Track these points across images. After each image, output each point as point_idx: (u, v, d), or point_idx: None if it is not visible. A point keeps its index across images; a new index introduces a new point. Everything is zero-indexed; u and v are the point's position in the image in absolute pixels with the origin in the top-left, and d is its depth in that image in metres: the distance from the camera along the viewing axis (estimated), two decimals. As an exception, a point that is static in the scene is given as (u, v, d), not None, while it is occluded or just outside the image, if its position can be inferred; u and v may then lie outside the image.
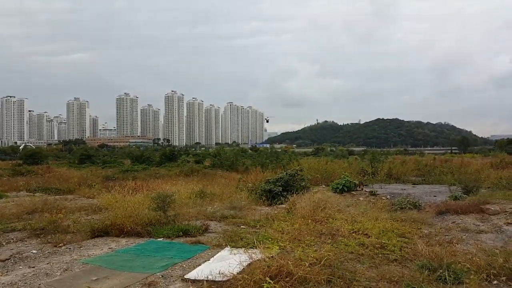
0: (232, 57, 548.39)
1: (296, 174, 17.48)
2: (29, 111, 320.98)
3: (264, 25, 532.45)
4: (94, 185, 21.43)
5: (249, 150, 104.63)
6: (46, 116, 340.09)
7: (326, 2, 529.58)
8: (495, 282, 5.80)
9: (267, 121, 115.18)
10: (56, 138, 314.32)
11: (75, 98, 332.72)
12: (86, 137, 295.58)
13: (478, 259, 6.49)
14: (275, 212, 12.34)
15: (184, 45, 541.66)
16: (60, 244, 8.78)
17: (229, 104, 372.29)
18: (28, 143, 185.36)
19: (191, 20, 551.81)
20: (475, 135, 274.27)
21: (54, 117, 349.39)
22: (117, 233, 9.50)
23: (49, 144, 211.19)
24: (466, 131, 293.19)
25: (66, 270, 6.83)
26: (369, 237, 8.51)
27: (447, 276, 5.72)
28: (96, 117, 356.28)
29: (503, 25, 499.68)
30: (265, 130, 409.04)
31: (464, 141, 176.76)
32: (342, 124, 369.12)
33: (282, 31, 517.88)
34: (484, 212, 11.24)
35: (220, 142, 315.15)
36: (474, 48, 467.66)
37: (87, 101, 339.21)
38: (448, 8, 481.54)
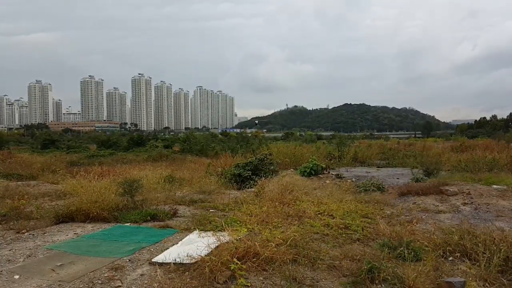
0: (201, 40, 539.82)
1: (265, 159, 17.66)
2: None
3: (234, 7, 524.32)
4: (58, 170, 20.72)
5: (219, 135, 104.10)
6: (7, 100, 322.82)
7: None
8: (450, 258, 6.17)
9: (256, 124, 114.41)
10: (17, 122, 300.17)
11: (36, 80, 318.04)
12: (49, 121, 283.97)
13: (435, 237, 6.86)
14: (244, 195, 12.45)
15: (152, 26, 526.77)
16: (23, 231, 8.50)
17: (198, 88, 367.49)
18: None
19: (158, 1, 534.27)
20: (438, 120, 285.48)
21: (15, 100, 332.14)
22: (82, 219, 9.30)
23: (10, 129, 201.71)
24: (430, 116, 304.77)
25: (29, 256, 6.66)
26: (334, 218, 8.79)
27: (406, 254, 6.04)
28: (59, 100, 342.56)
29: (467, 14, 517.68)
30: (236, 115, 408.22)
31: (427, 126, 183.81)
32: (311, 109, 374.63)
33: (253, 14, 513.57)
34: (443, 193, 11.84)
35: (189, 127, 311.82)
36: (439, 35, 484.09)
37: (49, 84, 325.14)
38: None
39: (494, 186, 12.40)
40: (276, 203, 9.98)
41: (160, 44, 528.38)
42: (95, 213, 9.32)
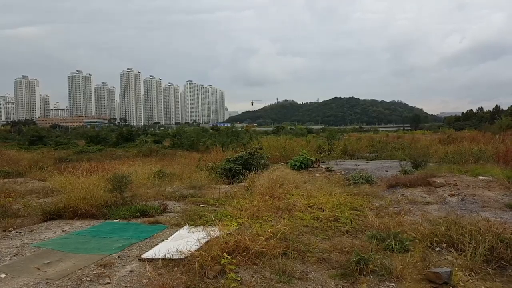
0: (191, 33, 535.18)
1: (255, 153, 17.65)
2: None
3: (225, 0, 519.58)
4: (46, 167, 20.47)
5: (210, 130, 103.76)
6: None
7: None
8: (437, 248, 6.26)
9: (252, 104, 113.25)
10: (3, 118, 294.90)
11: (23, 76, 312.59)
12: (37, 117, 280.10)
13: (423, 228, 6.96)
14: (235, 190, 12.46)
15: (141, 19, 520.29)
16: (10, 229, 8.39)
17: (188, 83, 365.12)
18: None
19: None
20: (426, 112, 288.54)
21: (1, 96, 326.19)
22: (71, 216, 9.20)
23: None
24: (418, 108, 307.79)
25: (16, 254, 6.58)
26: (323, 211, 8.85)
27: (394, 245, 6.12)
28: (46, 96, 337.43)
29: (456, 6, 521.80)
30: (226, 109, 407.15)
31: (415, 119, 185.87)
32: (301, 103, 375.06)
33: (243, 7, 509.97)
34: (430, 185, 12.01)
35: (180, 121, 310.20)
36: (428, 28, 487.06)
37: (36, 79, 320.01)
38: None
39: (480, 177, 12.60)
40: (267, 197, 10.02)
41: (149, 38, 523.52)
42: (83, 210, 9.23)
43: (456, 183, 11.81)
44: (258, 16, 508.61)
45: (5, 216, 9.27)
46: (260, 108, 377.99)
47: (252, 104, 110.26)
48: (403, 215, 8.49)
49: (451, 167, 14.73)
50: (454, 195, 10.78)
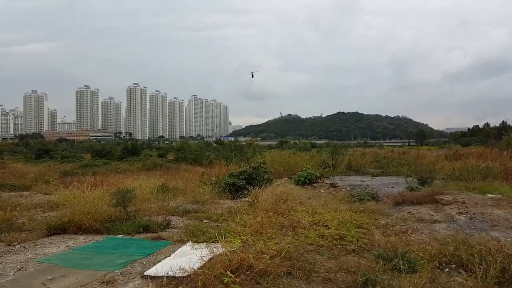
0: (196, 49, 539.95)
1: (259, 167, 17.57)
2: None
3: (229, 17, 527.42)
4: (52, 181, 20.53)
5: (214, 144, 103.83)
6: (2, 109, 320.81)
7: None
8: (446, 269, 6.09)
9: (252, 76, 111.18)
10: (12, 132, 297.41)
11: (32, 90, 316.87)
12: (44, 131, 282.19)
13: (431, 247, 6.79)
14: (238, 205, 12.36)
15: (147, 36, 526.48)
16: (14, 243, 8.39)
17: (193, 97, 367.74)
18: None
19: (155, 10, 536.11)
20: (431, 128, 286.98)
21: (10, 110, 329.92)
22: (74, 230, 9.18)
23: (4, 139, 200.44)
24: (423, 124, 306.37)
25: (20, 269, 6.54)
26: (328, 228, 8.71)
27: (401, 265, 5.97)
28: (54, 110, 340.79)
29: (458, 23, 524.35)
30: (230, 123, 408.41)
31: (420, 134, 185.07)
32: (305, 117, 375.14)
33: (247, 25, 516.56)
34: (438, 202, 11.80)
35: (184, 135, 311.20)
36: (430, 44, 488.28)
37: (45, 94, 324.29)
38: (407, 4, 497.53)
39: (489, 195, 12.41)
40: (270, 213, 9.90)
41: (156, 53, 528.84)
42: (87, 225, 9.21)
43: (464, 201, 11.61)
44: (262, 33, 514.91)
45: (10, 230, 9.29)
46: (264, 122, 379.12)
47: (252, 76, 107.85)
48: (410, 234, 8.34)
49: (458, 184, 14.54)
50: (462, 213, 10.58)
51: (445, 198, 11.92)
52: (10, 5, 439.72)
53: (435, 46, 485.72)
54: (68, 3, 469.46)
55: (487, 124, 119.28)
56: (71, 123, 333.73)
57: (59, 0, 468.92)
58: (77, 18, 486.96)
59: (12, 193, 16.76)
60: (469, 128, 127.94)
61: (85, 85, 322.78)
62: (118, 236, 8.85)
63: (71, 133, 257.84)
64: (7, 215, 10.09)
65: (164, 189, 15.64)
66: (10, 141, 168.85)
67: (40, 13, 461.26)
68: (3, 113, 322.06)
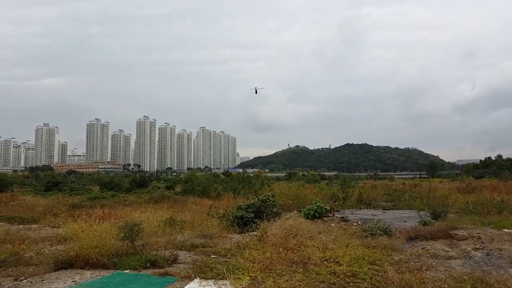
0: (205, 83, 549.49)
1: (268, 200, 17.38)
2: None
3: (237, 52, 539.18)
4: (60, 213, 20.51)
5: (222, 175, 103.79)
6: (14, 142, 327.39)
7: (297, 31, 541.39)
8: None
9: (256, 92, 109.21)
10: (22, 164, 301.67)
11: (44, 124, 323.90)
12: (54, 163, 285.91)
13: (447, 286, 6.56)
14: (247, 240, 12.15)
15: (158, 70, 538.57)
16: (22, 278, 8.32)
17: (201, 129, 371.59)
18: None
19: (165, 46, 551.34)
20: (442, 159, 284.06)
21: (22, 143, 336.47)
22: (82, 265, 9.06)
23: (15, 171, 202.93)
24: (434, 156, 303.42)
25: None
26: (340, 265, 8.47)
27: (417, 305, 5.73)
28: (65, 142, 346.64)
29: (465, 55, 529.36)
30: (238, 155, 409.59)
31: (432, 166, 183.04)
32: (313, 148, 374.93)
33: (255, 59, 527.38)
34: (452, 238, 11.48)
35: (192, 167, 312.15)
36: (438, 75, 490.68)
37: (56, 127, 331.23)
38: (413, 37, 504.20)
39: (506, 230, 12.04)
40: (280, 249, 9.70)
41: (165, 86, 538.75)
42: (94, 259, 9.11)
43: (479, 236, 11.26)
44: (269, 66, 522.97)
45: (18, 264, 9.24)
46: (272, 153, 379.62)
47: (256, 92, 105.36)
48: (425, 271, 8.06)
49: (473, 218, 14.19)
50: (478, 249, 10.24)
51: (460, 233, 11.59)
52: (26, 40, 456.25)
53: (443, 77, 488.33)
54: (82, 39, 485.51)
55: (499, 156, 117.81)
56: (81, 155, 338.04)
57: (73, 36, 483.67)
58: (90, 53, 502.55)
59: (20, 226, 16.80)
60: (481, 160, 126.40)
61: (96, 118, 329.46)
62: (125, 271, 8.70)
63: (80, 165, 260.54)
64: (15, 249, 10.05)
65: (172, 222, 15.51)
66: (20, 173, 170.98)
67: (54, 48, 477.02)
68: (15, 146, 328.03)
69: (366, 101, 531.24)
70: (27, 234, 13.80)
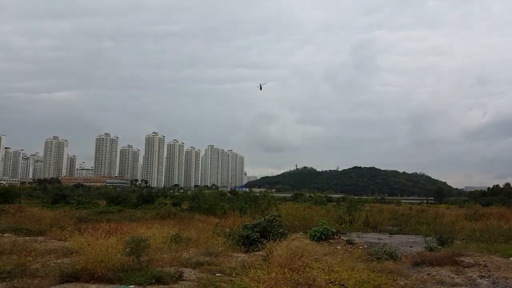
0: (215, 101, 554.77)
1: (274, 220, 17.38)
2: (6, 148, 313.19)
3: (249, 71, 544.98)
4: (67, 226, 20.68)
5: (228, 194, 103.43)
6: (23, 154, 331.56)
7: (309, 53, 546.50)
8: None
9: (261, 88, 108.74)
10: (31, 176, 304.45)
11: (54, 136, 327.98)
12: (62, 176, 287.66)
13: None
14: (252, 259, 12.15)
15: (169, 87, 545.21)
16: (27, 289, 8.38)
17: (210, 147, 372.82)
18: (1, 180, 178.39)
19: (178, 64, 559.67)
20: (449, 186, 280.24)
21: (31, 155, 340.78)
22: (87, 279, 9.15)
23: (23, 183, 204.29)
24: (441, 181, 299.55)
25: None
26: (345, 287, 8.45)
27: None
28: (74, 156, 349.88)
29: (476, 81, 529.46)
30: (245, 174, 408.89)
31: (439, 192, 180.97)
32: (320, 170, 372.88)
33: (266, 78, 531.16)
34: (458, 264, 11.40)
35: (199, 184, 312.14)
36: (448, 101, 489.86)
37: (66, 140, 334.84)
38: (425, 63, 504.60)
39: (512, 258, 11.91)
40: (285, 269, 9.70)
41: (176, 104, 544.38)
42: (100, 273, 9.19)
43: (486, 264, 11.16)
44: (279, 87, 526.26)
45: (24, 275, 9.32)
46: (279, 173, 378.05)
47: (260, 88, 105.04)
48: (430, 297, 8.01)
49: (479, 245, 14.06)
50: (484, 277, 10.15)
51: (466, 260, 11.50)
52: (39, 53, 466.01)
53: (453, 103, 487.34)
54: (95, 54, 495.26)
55: (507, 184, 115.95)
56: (89, 169, 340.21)
57: (87, 50, 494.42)
58: (103, 67, 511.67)
59: (27, 237, 16.91)
60: (489, 187, 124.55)
61: (105, 133, 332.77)
62: (130, 286, 8.76)
63: (88, 179, 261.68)
64: (22, 260, 10.16)
65: (178, 239, 15.56)
66: (28, 185, 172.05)
67: (67, 62, 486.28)
68: (24, 157, 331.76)
69: (376, 125, 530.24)
70: (33, 246, 13.91)
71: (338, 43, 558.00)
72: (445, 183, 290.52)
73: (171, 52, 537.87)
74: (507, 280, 9.75)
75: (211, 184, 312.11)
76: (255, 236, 15.93)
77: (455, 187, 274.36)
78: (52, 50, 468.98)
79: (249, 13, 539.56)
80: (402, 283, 9.56)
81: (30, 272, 9.65)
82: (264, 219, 17.48)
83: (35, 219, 25.31)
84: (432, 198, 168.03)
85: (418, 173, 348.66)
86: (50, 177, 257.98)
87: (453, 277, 10.28)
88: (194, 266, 11.18)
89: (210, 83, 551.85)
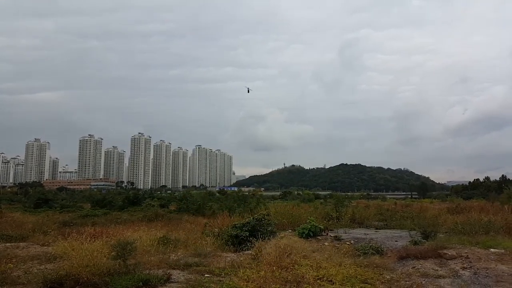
0: (203, 101, 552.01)
1: (263, 219, 17.42)
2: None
3: (237, 70, 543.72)
4: (50, 231, 20.29)
5: (217, 194, 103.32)
6: (3, 157, 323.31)
7: (297, 52, 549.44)
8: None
9: (248, 91, 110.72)
10: (11, 180, 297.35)
11: (35, 139, 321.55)
12: (45, 179, 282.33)
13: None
14: (241, 258, 12.15)
15: (156, 87, 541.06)
16: (9, 297, 8.20)
17: (197, 147, 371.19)
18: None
19: (165, 63, 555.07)
20: (432, 181, 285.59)
21: (11, 158, 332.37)
22: (72, 284, 8.96)
23: (3, 187, 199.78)
24: (424, 177, 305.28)
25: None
26: (333, 283, 8.56)
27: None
28: (56, 159, 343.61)
29: (458, 80, 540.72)
30: (233, 173, 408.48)
31: (423, 187, 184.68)
32: (308, 168, 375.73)
33: (254, 78, 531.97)
34: (441, 257, 11.63)
35: (187, 185, 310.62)
36: (432, 99, 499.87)
37: (48, 142, 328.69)
38: (410, 62, 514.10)
39: (492, 249, 12.23)
40: (274, 267, 9.74)
41: (163, 104, 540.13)
42: (85, 278, 9.02)
43: (467, 256, 11.42)
44: (267, 87, 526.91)
45: (4, 283, 9.09)
46: (267, 172, 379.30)
47: (248, 91, 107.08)
48: (415, 290, 8.15)
49: (461, 238, 14.37)
50: (466, 268, 10.39)
51: (449, 253, 11.75)
52: (21, 53, 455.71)
53: (436, 101, 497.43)
54: (79, 53, 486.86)
55: (487, 178, 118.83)
56: (72, 171, 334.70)
57: (70, 50, 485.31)
58: (88, 68, 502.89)
59: (8, 244, 16.50)
60: (470, 182, 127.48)
61: (89, 134, 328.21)
62: (116, 290, 8.65)
63: (72, 182, 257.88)
64: (2, 268, 9.89)
65: (165, 241, 15.43)
66: (9, 189, 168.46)
67: (50, 62, 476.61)
68: (4, 161, 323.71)
69: (362, 123, 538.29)
70: (14, 253, 13.55)
71: (325, 42, 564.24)
72: (428, 178, 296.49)
73: (158, 52, 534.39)
74: (487, 271, 10.01)
75: (199, 185, 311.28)
76: (244, 235, 15.94)
77: (438, 182, 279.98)
78: (35, 50, 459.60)
79: (237, 12, 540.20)
80: (388, 277, 9.71)
81: (12, 280, 9.39)
82: (253, 218, 17.50)
83: (16, 224, 24.74)
84: (416, 193, 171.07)
85: (402, 169, 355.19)
86: (32, 181, 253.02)
87: (437, 270, 10.48)
88: (183, 268, 11.10)
89: (198, 83, 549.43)
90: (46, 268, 10.89)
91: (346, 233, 20.07)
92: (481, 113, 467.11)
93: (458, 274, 9.96)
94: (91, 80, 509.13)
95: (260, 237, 14.65)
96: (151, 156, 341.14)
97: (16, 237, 19.01)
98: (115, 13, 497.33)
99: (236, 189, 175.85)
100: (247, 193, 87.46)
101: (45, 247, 15.73)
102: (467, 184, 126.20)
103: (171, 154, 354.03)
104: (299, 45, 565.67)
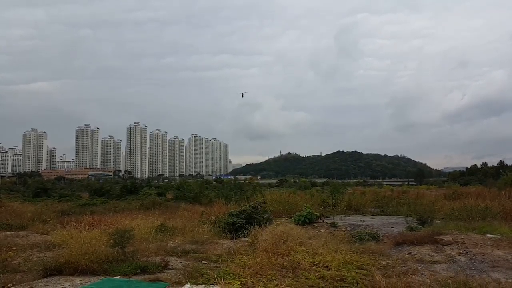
0: (198, 89, 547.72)
1: (259, 207, 17.51)
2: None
3: (232, 58, 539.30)
4: (49, 220, 20.36)
5: (214, 182, 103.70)
6: (1, 148, 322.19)
7: (293, 38, 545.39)
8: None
9: (242, 96, 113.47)
10: (10, 170, 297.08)
11: (32, 129, 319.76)
12: (43, 169, 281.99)
13: (431, 289, 6.74)
14: (238, 245, 12.24)
15: (151, 76, 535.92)
16: (9, 285, 8.27)
17: (193, 136, 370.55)
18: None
19: (159, 52, 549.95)
20: (429, 167, 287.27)
21: (9, 148, 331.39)
22: (71, 272, 9.05)
23: (2, 177, 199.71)
24: (421, 163, 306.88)
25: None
26: (329, 269, 8.63)
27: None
28: (53, 148, 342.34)
29: (457, 65, 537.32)
30: (230, 162, 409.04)
31: (420, 173, 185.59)
32: (304, 156, 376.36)
33: (249, 65, 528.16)
34: (438, 243, 11.75)
35: (184, 174, 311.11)
36: (430, 85, 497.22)
37: (44, 133, 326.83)
38: (408, 47, 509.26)
39: (488, 235, 12.36)
40: (270, 254, 9.81)
41: (158, 93, 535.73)
42: (84, 266, 9.10)
43: (464, 241, 11.55)
44: (263, 74, 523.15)
45: (5, 271, 9.16)
46: (264, 160, 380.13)
47: (242, 96, 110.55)
48: (411, 275, 8.27)
49: (458, 224, 14.49)
50: (462, 254, 10.51)
51: (445, 239, 11.88)
52: (13, 43, 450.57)
53: (434, 87, 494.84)
54: (72, 43, 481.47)
55: (485, 164, 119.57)
56: (70, 161, 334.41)
57: (63, 39, 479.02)
58: (81, 57, 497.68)
59: (8, 233, 16.61)
60: (467, 168, 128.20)
61: (85, 124, 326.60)
62: (115, 277, 8.73)
63: (69, 172, 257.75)
64: (3, 256, 9.96)
65: (163, 229, 15.52)
66: (8, 179, 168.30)
67: (44, 52, 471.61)
68: (2, 151, 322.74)
69: (359, 110, 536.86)
70: (14, 241, 13.67)
71: (321, 28, 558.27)
72: (425, 164, 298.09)
73: (151, 40, 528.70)
74: (484, 256, 10.13)
75: (196, 173, 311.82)
76: (240, 223, 16.04)
77: (435, 168, 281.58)
78: (27, 40, 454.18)
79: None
80: (384, 263, 9.81)
81: (12, 268, 9.48)
82: (249, 206, 17.59)
83: (16, 213, 24.80)
84: (413, 179, 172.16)
85: (399, 155, 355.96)
86: (30, 171, 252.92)
87: (433, 255, 10.61)
88: (180, 255, 11.19)
89: (193, 71, 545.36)
90: (46, 256, 10.99)
91: (342, 220, 20.21)
92: (480, 98, 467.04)
93: (454, 259, 10.08)
94: (85, 70, 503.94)
95: (257, 224, 14.74)
96: (148, 146, 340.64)
97: (15, 226, 19.13)
98: (106, 1, 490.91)
99: (232, 177, 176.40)
100: (243, 181, 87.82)
101: (45, 235, 15.85)
102: (465, 170, 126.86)
103: (167, 143, 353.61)
104: (294, 31, 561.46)
